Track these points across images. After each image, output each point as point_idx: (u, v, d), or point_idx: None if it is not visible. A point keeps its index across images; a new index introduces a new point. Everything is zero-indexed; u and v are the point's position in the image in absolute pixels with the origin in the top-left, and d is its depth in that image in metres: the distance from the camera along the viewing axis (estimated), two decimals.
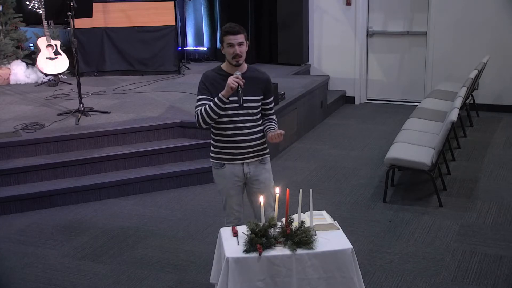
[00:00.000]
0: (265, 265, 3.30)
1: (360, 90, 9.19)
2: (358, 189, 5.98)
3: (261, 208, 3.45)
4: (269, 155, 4.09)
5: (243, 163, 3.96)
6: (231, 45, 3.79)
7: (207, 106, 3.79)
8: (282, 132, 3.86)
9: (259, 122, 3.99)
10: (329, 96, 8.72)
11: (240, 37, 3.79)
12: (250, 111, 3.90)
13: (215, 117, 3.81)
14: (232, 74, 3.77)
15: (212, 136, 4.00)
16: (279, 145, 6.93)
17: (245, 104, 3.82)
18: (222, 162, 3.97)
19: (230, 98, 3.76)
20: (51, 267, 4.66)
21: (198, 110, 3.84)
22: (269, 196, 3.98)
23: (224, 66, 3.92)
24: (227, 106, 3.80)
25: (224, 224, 4.08)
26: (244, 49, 3.83)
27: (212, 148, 4.02)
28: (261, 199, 3.46)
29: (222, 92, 3.72)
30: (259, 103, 3.96)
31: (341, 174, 6.38)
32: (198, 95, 3.90)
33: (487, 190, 5.86)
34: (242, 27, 3.86)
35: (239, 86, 3.70)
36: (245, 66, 3.92)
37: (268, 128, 3.97)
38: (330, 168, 6.55)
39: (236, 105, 3.78)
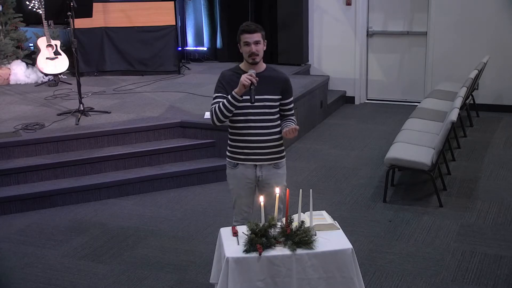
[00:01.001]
0: (265, 265, 3.30)
1: (360, 90, 9.18)
2: (358, 189, 5.98)
3: (261, 208, 3.45)
4: (284, 159, 4.03)
5: (256, 165, 3.92)
6: (247, 43, 3.78)
7: (220, 103, 3.78)
8: (297, 127, 3.81)
9: (276, 123, 3.93)
10: (329, 96, 8.72)
11: (257, 36, 3.79)
12: (266, 111, 3.86)
13: (229, 114, 3.79)
14: None
15: (229, 135, 3.99)
16: None
17: (261, 103, 3.81)
18: (236, 162, 3.95)
19: (245, 97, 3.74)
20: (51, 267, 4.66)
21: (213, 107, 3.83)
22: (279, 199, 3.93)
23: (242, 65, 3.91)
24: (242, 104, 3.78)
25: (232, 222, 4.08)
26: (261, 47, 3.82)
27: (228, 148, 4.00)
28: (261, 199, 3.46)
29: (235, 90, 3.71)
30: (277, 103, 3.92)
31: (341, 174, 6.37)
32: (214, 93, 3.90)
33: (487, 190, 5.86)
34: (260, 25, 3.85)
35: (252, 84, 3.68)
36: (263, 66, 3.91)
37: (285, 126, 3.90)
38: (330, 168, 6.55)
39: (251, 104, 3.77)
